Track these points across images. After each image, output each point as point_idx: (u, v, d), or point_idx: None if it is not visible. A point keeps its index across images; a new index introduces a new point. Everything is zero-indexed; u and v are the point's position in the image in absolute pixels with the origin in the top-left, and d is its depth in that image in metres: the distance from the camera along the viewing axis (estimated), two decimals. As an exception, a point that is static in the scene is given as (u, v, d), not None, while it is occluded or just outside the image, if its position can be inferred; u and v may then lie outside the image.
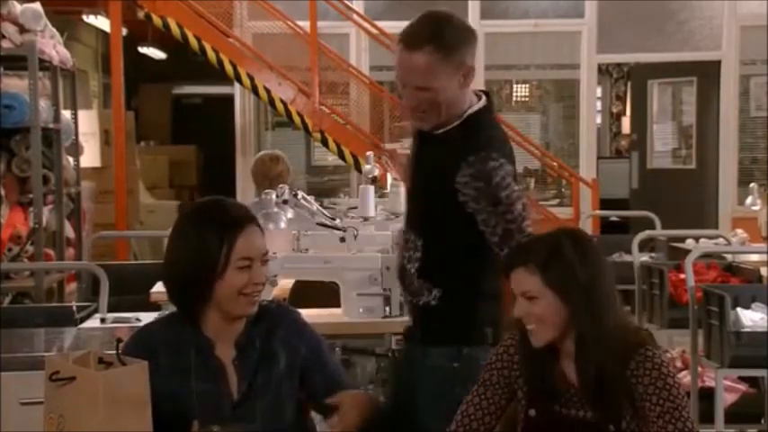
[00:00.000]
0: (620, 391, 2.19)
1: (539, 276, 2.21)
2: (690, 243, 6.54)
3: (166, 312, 2.48)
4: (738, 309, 4.27)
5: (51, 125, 6.15)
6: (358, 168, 8.11)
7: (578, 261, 2.22)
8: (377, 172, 5.89)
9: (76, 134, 6.78)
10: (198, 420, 2.21)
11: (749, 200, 7.69)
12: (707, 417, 4.32)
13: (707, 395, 4.43)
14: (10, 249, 5.80)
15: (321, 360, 2.42)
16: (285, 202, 4.56)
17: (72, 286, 6.36)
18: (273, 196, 4.64)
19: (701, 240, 6.55)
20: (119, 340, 2.04)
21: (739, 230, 6.88)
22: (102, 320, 3.98)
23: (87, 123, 8.11)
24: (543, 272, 2.21)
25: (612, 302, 2.26)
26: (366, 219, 4.88)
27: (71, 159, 6.68)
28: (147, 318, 3.95)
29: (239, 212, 2.35)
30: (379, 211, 5.05)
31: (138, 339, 2.37)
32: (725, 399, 4.33)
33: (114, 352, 2.00)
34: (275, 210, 4.51)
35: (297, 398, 2.39)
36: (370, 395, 2.33)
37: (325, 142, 8.48)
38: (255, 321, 2.37)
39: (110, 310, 4.14)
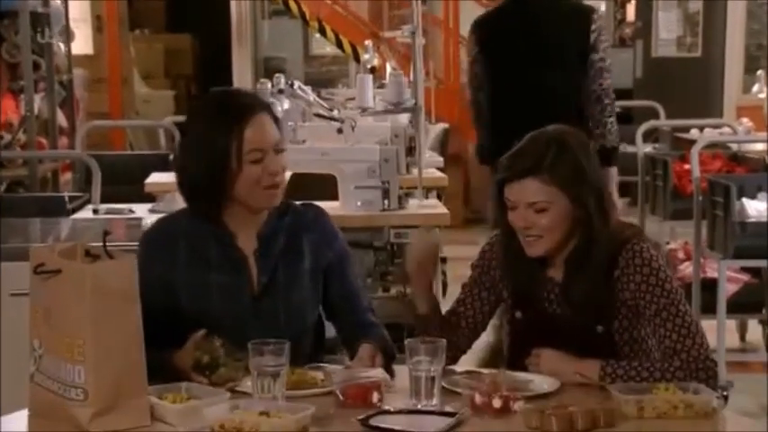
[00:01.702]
0: (605, 291, 2.11)
1: (550, 183, 2.09)
2: (694, 133, 6.47)
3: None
4: (744, 199, 4.23)
5: (40, 9, 5.98)
6: (356, 58, 7.94)
7: (583, 157, 2.13)
8: (376, 61, 5.75)
9: (67, 19, 6.61)
10: (217, 312, 2.18)
11: (755, 87, 7.58)
12: (709, 307, 4.34)
13: (709, 286, 4.42)
14: (2, 137, 5.72)
15: (343, 272, 2.34)
16: (281, 91, 4.45)
17: (67, 176, 6.29)
18: (269, 86, 4.53)
19: (706, 130, 6.48)
20: (105, 233, 1.95)
21: (745, 119, 6.78)
22: (95, 211, 3.94)
23: (78, 8, 7.89)
24: (554, 176, 2.09)
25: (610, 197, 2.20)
26: (364, 110, 4.76)
27: (62, 46, 6.52)
28: (140, 209, 3.90)
29: (246, 101, 2.23)
30: (377, 102, 4.94)
31: (161, 227, 2.33)
32: (727, 289, 4.32)
33: (101, 244, 1.92)
34: (271, 100, 4.40)
35: (318, 305, 2.33)
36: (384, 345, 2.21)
37: (322, 31, 8.29)
38: (280, 216, 2.29)
39: (104, 201, 4.08)
